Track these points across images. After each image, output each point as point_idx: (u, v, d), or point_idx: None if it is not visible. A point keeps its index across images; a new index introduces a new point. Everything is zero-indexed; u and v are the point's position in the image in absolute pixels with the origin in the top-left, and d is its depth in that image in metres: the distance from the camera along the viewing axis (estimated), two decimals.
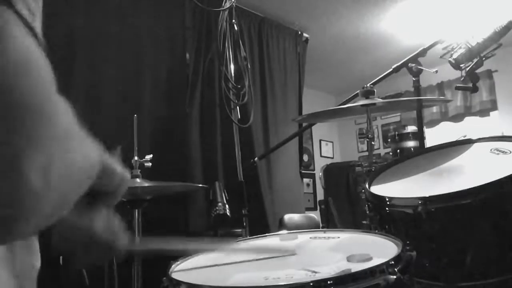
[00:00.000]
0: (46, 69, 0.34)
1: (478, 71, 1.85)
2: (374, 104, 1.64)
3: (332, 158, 6.30)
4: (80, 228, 0.70)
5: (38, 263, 0.53)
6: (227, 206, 1.90)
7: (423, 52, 2.02)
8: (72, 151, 0.37)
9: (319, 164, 5.55)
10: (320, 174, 3.94)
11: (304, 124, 3.19)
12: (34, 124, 0.31)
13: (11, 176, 0.30)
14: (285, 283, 0.75)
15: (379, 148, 5.99)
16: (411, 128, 3.35)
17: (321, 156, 6.17)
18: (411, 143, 3.29)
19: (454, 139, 1.66)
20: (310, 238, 1.13)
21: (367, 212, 1.37)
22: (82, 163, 0.40)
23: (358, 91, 1.77)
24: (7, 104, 0.30)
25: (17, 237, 0.35)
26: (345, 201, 3.58)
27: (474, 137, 1.49)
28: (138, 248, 0.92)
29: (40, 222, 0.35)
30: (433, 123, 5.53)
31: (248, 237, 1.28)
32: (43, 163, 0.32)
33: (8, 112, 0.30)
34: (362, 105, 1.65)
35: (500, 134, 1.56)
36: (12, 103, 0.30)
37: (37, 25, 0.35)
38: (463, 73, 1.86)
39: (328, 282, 0.72)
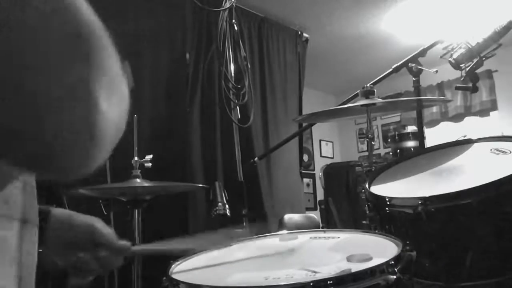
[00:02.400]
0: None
1: (478, 71, 1.85)
2: (374, 104, 1.64)
3: (332, 158, 6.30)
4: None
5: (36, 255, 0.53)
6: (227, 206, 1.90)
7: (423, 52, 2.02)
8: (124, 86, 0.40)
9: (319, 164, 5.55)
10: (320, 174, 3.94)
11: (304, 124, 3.19)
12: (99, 51, 0.35)
13: (87, 97, 0.33)
14: (285, 283, 0.76)
15: (379, 148, 5.99)
16: (411, 128, 3.35)
17: (321, 156, 6.17)
18: (411, 143, 3.29)
19: (454, 139, 1.66)
20: (310, 238, 1.13)
21: (367, 212, 1.37)
22: (127, 102, 0.42)
23: (358, 91, 1.77)
24: (77, 33, 0.33)
25: (95, 162, 0.37)
26: (345, 201, 3.58)
27: (474, 137, 1.49)
28: (139, 252, 0.93)
29: (104, 152, 0.37)
30: (433, 123, 5.53)
31: (248, 237, 1.28)
32: (107, 88, 0.35)
33: (78, 40, 0.33)
34: (362, 105, 1.65)
35: (500, 134, 1.56)
36: (82, 32, 0.33)
37: None
38: (463, 73, 1.86)
39: (328, 282, 0.72)
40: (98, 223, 0.83)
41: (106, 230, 0.83)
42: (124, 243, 0.87)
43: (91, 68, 0.33)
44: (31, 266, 0.50)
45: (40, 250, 0.56)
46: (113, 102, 0.37)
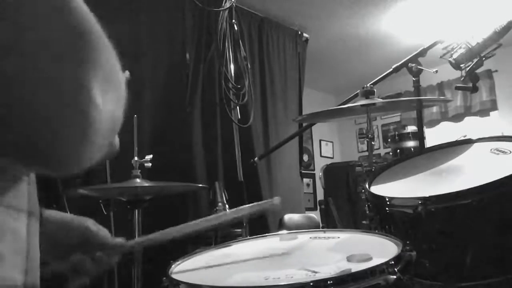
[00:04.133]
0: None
1: (478, 71, 1.85)
2: (374, 104, 1.64)
3: (332, 158, 6.30)
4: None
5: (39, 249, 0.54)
6: (227, 206, 1.90)
7: (423, 52, 2.02)
8: (120, 80, 0.41)
9: (319, 164, 5.55)
10: (320, 174, 3.93)
11: (304, 124, 3.19)
12: (97, 47, 0.35)
13: (80, 91, 0.33)
14: (285, 283, 0.76)
15: (379, 148, 5.99)
16: (411, 128, 3.35)
17: (321, 156, 6.17)
18: (411, 143, 3.29)
19: (454, 139, 1.66)
20: (310, 238, 1.13)
21: (367, 212, 1.37)
22: (123, 94, 0.42)
23: (358, 91, 1.77)
24: (73, 30, 0.33)
25: (91, 155, 0.37)
26: (345, 201, 3.57)
27: (474, 137, 1.49)
28: (134, 246, 0.93)
29: (99, 148, 0.37)
30: (433, 123, 5.53)
31: (248, 237, 1.28)
32: (103, 82, 0.35)
33: (78, 35, 0.34)
34: (362, 105, 1.65)
35: (500, 134, 1.56)
36: (77, 29, 0.34)
37: None
38: (463, 73, 1.85)
39: (328, 282, 0.72)
40: (90, 223, 0.82)
41: (98, 229, 0.83)
42: (118, 240, 0.86)
43: (86, 63, 0.34)
44: (36, 260, 0.50)
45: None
46: (109, 97, 0.37)
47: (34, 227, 0.50)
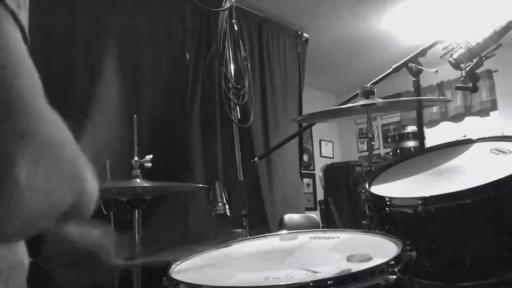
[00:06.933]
0: (34, 71, 0.35)
1: (478, 71, 1.85)
2: (374, 104, 1.64)
3: (332, 158, 6.30)
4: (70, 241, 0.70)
5: (26, 260, 0.53)
6: (227, 206, 1.89)
7: (423, 52, 2.02)
8: (62, 156, 0.37)
9: (319, 164, 5.55)
10: (320, 174, 3.93)
11: (304, 124, 3.19)
12: (28, 119, 0.32)
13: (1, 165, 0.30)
14: (285, 283, 0.76)
15: (379, 148, 5.98)
16: (411, 128, 3.35)
17: (321, 156, 6.17)
18: (411, 143, 3.29)
19: (454, 139, 1.65)
20: (310, 238, 1.13)
21: (367, 212, 1.37)
22: (70, 172, 0.39)
23: (358, 91, 1.77)
24: (6, 97, 0.31)
25: (2, 237, 0.34)
26: (345, 201, 3.57)
27: (474, 137, 1.49)
28: (132, 264, 0.91)
29: (25, 224, 0.34)
30: (433, 123, 5.53)
31: (248, 237, 1.28)
32: (32, 158, 0.32)
33: (6, 104, 0.31)
34: (362, 105, 1.65)
35: (500, 134, 1.56)
36: (11, 97, 0.31)
37: (23, 18, 0.35)
38: (463, 73, 1.85)
39: (328, 282, 0.72)
40: (95, 238, 0.79)
41: (103, 245, 0.80)
42: (119, 263, 0.84)
43: (14, 131, 0.31)
44: (17, 272, 0.49)
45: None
46: (46, 171, 0.34)
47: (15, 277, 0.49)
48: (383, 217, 1.27)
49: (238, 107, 2.69)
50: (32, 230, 0.36)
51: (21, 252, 0.51)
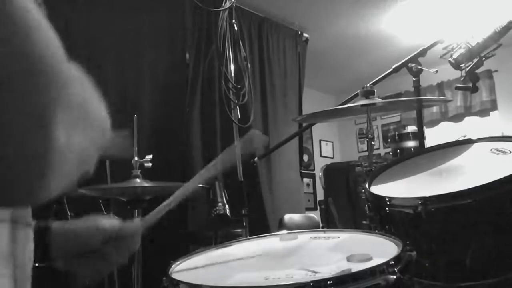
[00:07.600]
0: (54, 35, 0.36)
1: (478, 71, 1.85)
2: (374, 104, 1.64)
3: (332, 158, 6.30)
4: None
5: (32, 256, 0.53)
6: (227, 206, 1.89)
7: (423, 52, 2.02)
8: (91, 115, 0.40)
9: (319, 164, 5.55)
10: (320, 174, 3.93)
11: (304, 124, 3.19)
12: (59, 86, 0.34)
13: (39, 131, 0.32)
14: (285, 283, 0.76)
15: (379, 148, 5.98)
16: (411, 128, 3.35)
17: (321, 156, 6.17)
18: (411, 143, 3.28)
19: (454, 139, 1.65)
20: (310, 238, 1.13)
21: (367, 212, 1.37)
22: (98, 129, 0.42)
23: (358, 91, 1.77)
24: (34, 65, 0.32)
25: (40, 195, 0.36)
26: (345, 201, 3.57)
27: (474, 137, 1.49)
28: (151, 221, 0.91)
29: (61, 182, 0.37)
30: (433, 123, 5.53)
31: (248, 237, 1.28)
32: (67, 123, 0.34)
33: (36, 73, 0.32)
34: (362, 105, 1.65)
35: (500, 134, 1.56)
36: (38, 65, 0.32)
37: None
38: (463, 73, 1.85)
39: (328, 282, 0.72)
40: (98, 222, 0.80)
41: (108, 224, 0.80)
42: (132, 224, 0.84)
43: (46, 100, 0.32)
44: (26, 268, 0.50)
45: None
46: (78, 133, 0.36)
47: (22, 234, 0.50)
48: (383, 217, 1.27)
49: (238, 107, 2.68)
50: (65, 188, 0.38)
51: (29, 250, 0.52)
